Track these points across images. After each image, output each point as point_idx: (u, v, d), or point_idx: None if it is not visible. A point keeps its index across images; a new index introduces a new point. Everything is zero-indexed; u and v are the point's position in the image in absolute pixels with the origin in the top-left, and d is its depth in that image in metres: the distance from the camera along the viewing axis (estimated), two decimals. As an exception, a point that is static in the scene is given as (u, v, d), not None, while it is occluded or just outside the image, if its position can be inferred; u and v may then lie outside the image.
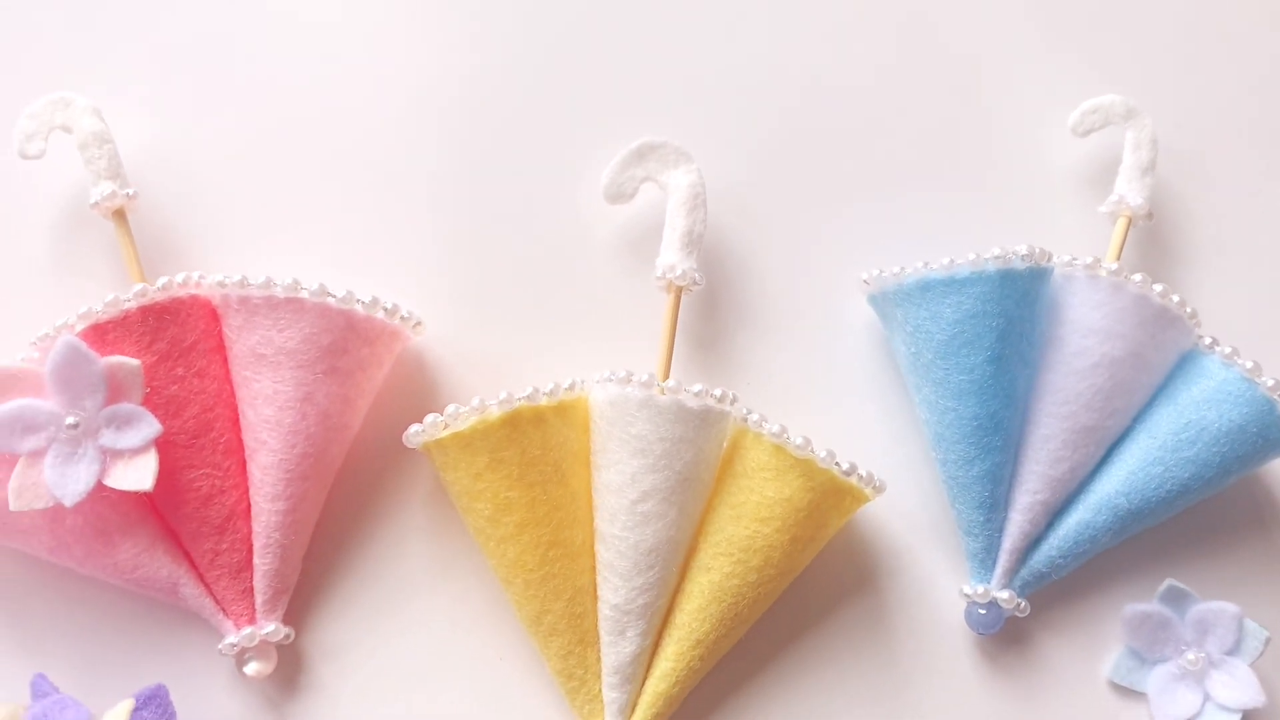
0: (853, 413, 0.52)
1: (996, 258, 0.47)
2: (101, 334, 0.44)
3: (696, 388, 0.45)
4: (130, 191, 0.48)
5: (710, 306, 0.52)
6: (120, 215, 0.48)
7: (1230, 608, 0.49)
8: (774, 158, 0.55)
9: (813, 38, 0.57)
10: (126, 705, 0.41)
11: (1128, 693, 0.50)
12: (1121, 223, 0.52)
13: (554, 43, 0.55)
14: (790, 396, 0.51)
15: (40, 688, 0.42)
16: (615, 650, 0.46)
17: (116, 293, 0.45)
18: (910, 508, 0.51)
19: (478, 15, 0.55)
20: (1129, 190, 0.52)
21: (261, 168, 0.52)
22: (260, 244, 0.51)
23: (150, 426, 0.43)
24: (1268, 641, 0.48)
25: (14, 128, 0.48)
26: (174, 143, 0.52)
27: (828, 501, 0.46)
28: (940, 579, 0.50)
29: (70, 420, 0.43)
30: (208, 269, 0.47)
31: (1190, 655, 0.49)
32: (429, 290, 0.51)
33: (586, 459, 0.47)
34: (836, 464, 0.46)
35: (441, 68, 0.54)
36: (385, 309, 0.46)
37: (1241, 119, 0.57)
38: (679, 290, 0.49)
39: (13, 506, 0.42)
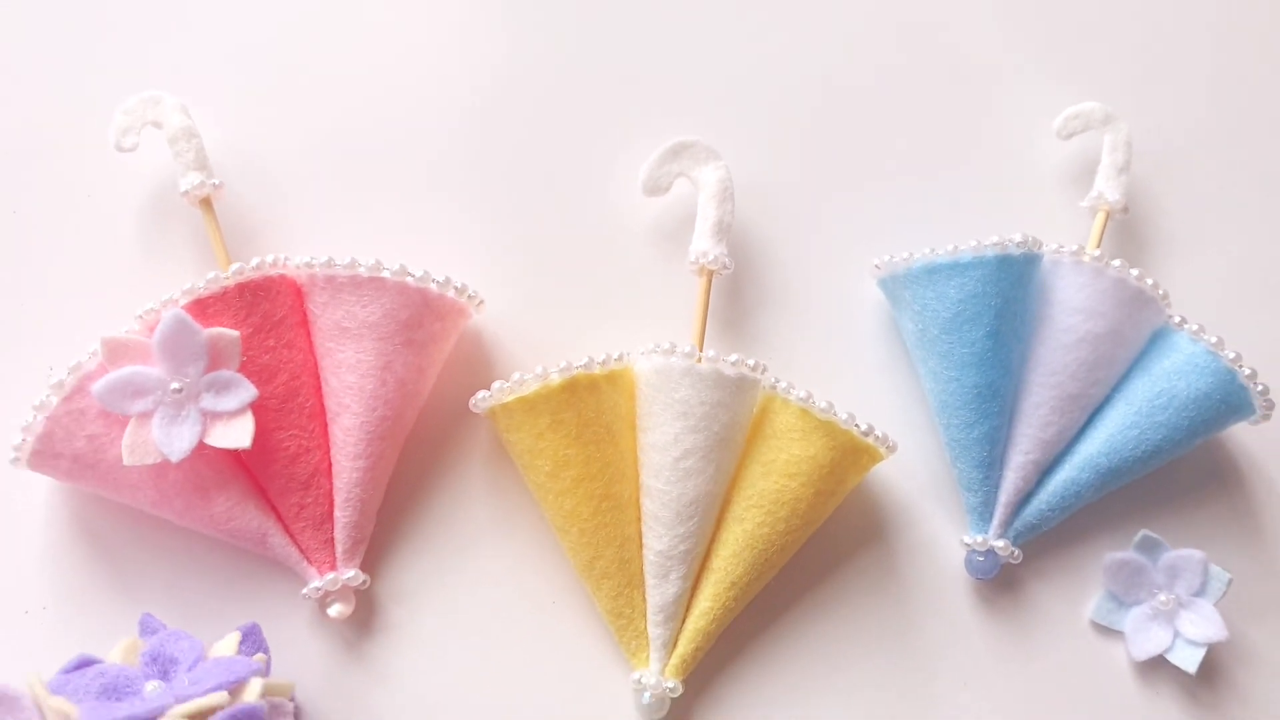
0: (863, 385, 0.56)
1: (995, 244, 0.51)
2: (203, 307, 0.48)
3: (733, 358, 0.50)
4: (216, 181, 0.51)
5: (736, 290, 0.56)
6: (206, 203, 0.51)
7: (1197, 554, 0.53)
8: (794, 156, 0.58)
9: (829, 49, 0.60)
10: (234, 637, 0.45)
11: (1107, 631, 0.54)
12: (1101, 216, 0.56)
13: (598, 55, 0.59)
14: (808, 370, 0.55)
15: (149, 624, 0.46)
16: (659, 592, 0.50)
17: (216, 271, 0.48)
18: (915, 469, 0.55)
19: (536, 26, 0.59)
20: (1107, 187, 0.56)
21: (331, 162, 0.55)
22: (331, 231, 0.54)
23: (247, 391, 0.47)
24: (1229, 583, 0.52)
25: (110, 123, 0.51)
26: (252, 138, 0.55)
27: (847, 459, 0.50)
28: (942, 531, 0.54)
29: (175, 385, 0.46)
30: (282, 253, 0.50)
31: (1162, 597, 0.53)
32: (487, 275, 0.54)
33: (633, 422, 0.51)
34: (856, 425, 0.50)
35: (499, 76, 0.58)
36: (455, 288, 0.50)
37: (1208, 125, 0.61)
38: (710, 274, 0.53)
39: (125, 462, 0.45)
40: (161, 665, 0.43)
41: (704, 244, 0.53)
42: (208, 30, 0.57)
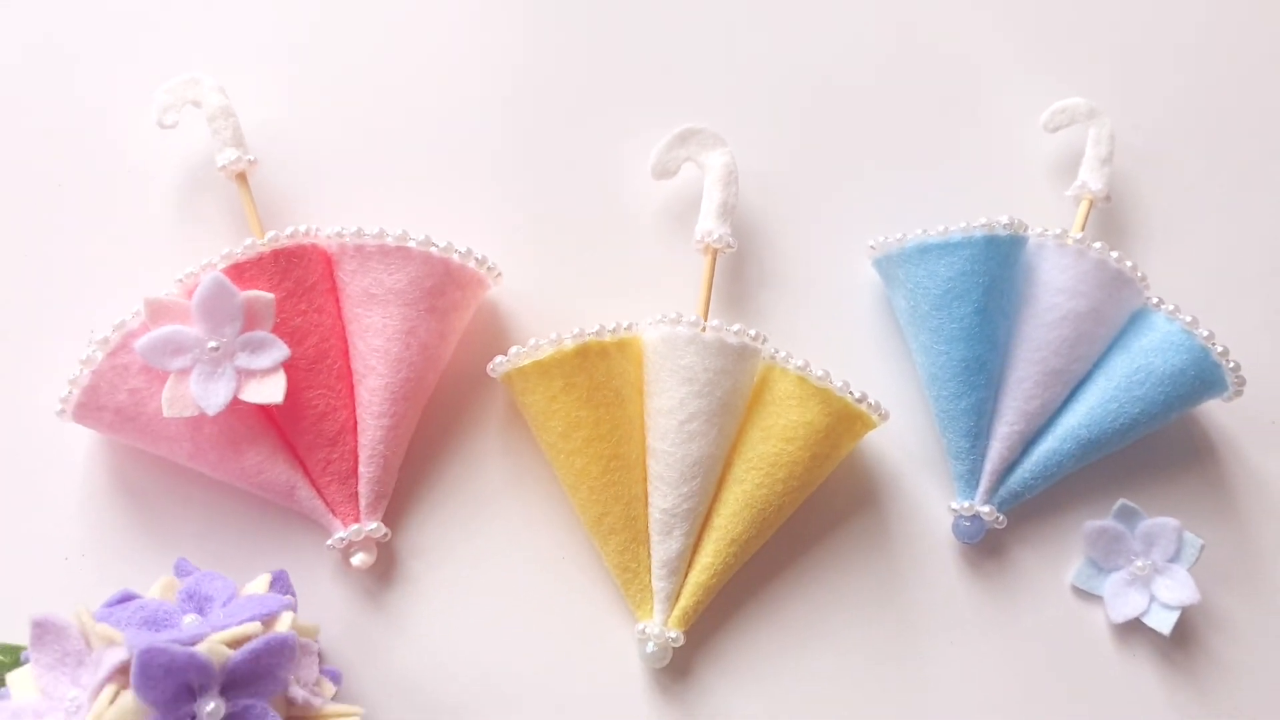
0: (858, 359, 0.58)
1: (983, 225, 0.53)
2: (240, 272, 0.50)
3: (735, 327, 0.52)
4: (251, 157, 0.54)
5: (739, 270, 0.59)
6: (242, 178, 0.54)
7: (1172, 522, 0.55)
8: (795, 145, 0.61)
9: (830, 47, 0.63)
10: (265, 578, 0.47)
11: (1087, 595, 0.56)
12: (1084, 204, 0.58)
13: (613, 50, 0.61)
14: (806, 346, 0.57)
15: (184, 567, 0.48)
16: (663, 547, 0.52)
17: (253, 238, 0.51)
18: (906, 439, 0.57)
19: (557, 21, 0.61)
20: (1090, 177, 0.59)
21: (359, 145, 0.58)
22: (358, 209, 0.56)
23: (280, 350, 0.49)
24: (1202, 549, 0.55)
25: (152, 102, 0.54)
26: (285, 119, 0.58)
27: (842, 425, 0.53)
28: (931, 497, 0.57)
29: (212, 344, 0.49)
30: (312, 225, 0.52)
31: (1139, 563, 0.55)
32: (506, 252, 0.56)
33: (640, 388, 0.54)
34: (850, 393, 0.52)
35: (520, 69, 0.60)
36: (476, 259, 0.52)
37: (1186, 121, 0.64)
38: (715, 252, 0.56)
39: (165, 414, 0.48)
40: (197, 602, 0.45)
41: (709, 223, 0.55)
42: (246, 17, 0.60)
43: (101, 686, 0.40)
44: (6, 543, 0.51)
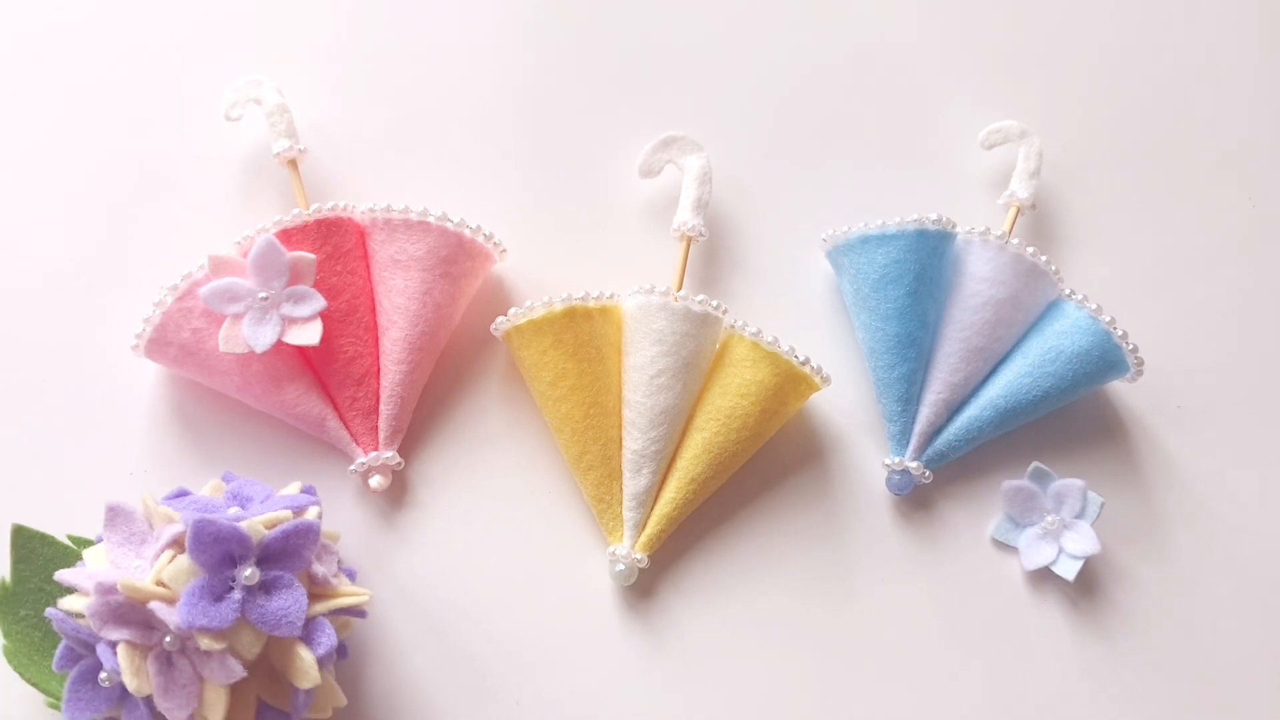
0: (809, 335, 0.64)
1: (914, 220, 0.60)
2: (288, 236, 0.58)
3: (700, 297, 0.59)
4: (302, 147, 0.62)
5: (710, 257, 0.66)
6: (293, 164, 0.62)
7: (1078, 483, 0.61)
8: (761, 151, 0.68)
9: (795, 63, 0.69)
10: (297, 484, 0.55)
11: (1004, 547, 0.62)
12: (1012, 211, 0.65)
13: (606, 65, 0.68)
14: (765, 323, 0.61)
15: (229, 477, 0.56)
16: (633, 483, 0.59)
17: (299, 209, 0.59)
18: (848, 405, 0.64)
19: (560, 41, 0.68)
20: (1019, 187, 0.65)
21: (391, 141, 0.66)
22: (388, 194, 0.62)
23: (318, 302, 0.57)
24: (1103, 506, 0.61)
25: (221, 99, 0.62)
26: (329, 115, 0.65)
27: (788, 385, 0.59)
28: (868, 455, 0.63)
29: (262, 294, 0.56)
30: (350, 202, 0.60)
31: (1050, 518, 0.61)
32: (512, 235, 0.62)
33: (619, 349, 0.61)
34: (796, 356, 0.59)
35: (527, 81, 0.67)
36: (484, 235, 0.60)
37: (1109, 142, 0.70)
38: (689, 240, 0.63)
39: (220, 349, 0.56)
40: (240, 500, 0.53)
41: (685, 215, 0.63)
42: (299, 26, 0.68)
43: (161, 551, 0.48)
44: (83, 459, 0.59)
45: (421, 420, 0.62)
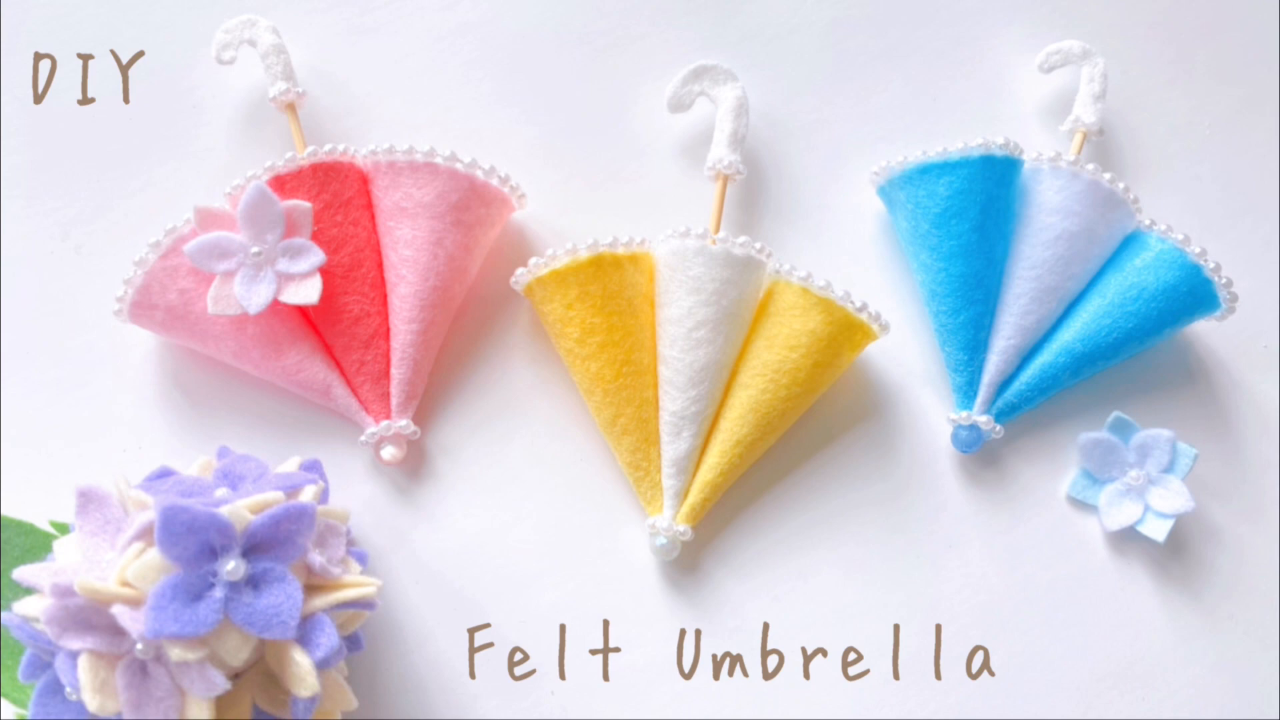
0: (861, 282, 0.53)
1: (980, 145, 0.49)
2: (281, 183, 0.47)
3: (741, 239, 0.48)
4: (300, 90, 0.51)
5: (749, 200, 0.54)
6: (291, 108, 0.51)
7: (1166, 433, 0.50)
8: (801, 81, 0.56)
9: None
10: (295, 460, 0.44)
11: (1083, 506, 0.51)
12: (1078, 137, 0.53)
13: None
14: (811, 268, 0.51)
15: (224, 453, 0.45)
16: (673, 447, 0.48)
17: (294, 152, 0.48)
18: (907, 355, 0.52)
19: None
20: (1084, 112, 0.53)
21: (399, 82, 0.54)
22: (399, 138, 0.53)
23: (317, 255, 0.46)
24: (1196, 458, 0.50)
25: (212, 40, 0.51)
26: (328, 56, 0.54)
27: (843, 334, 0.48)
28: (931, 409, 0.52)
29: (255, 249, 0.46)
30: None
31: (1133, 473, 0.50)
32: (534, 180, 0.52)
33: (652, 300, 0.50)
34: (851, 302, 0.48)
35: (549, 11, 0.56)
36: (499, 177, 0.49)
37: (1174, 64, 0.58)
38: (725, 179, 0.51)
39: (210, 311, 0.45)
40: (231, 480, 0.42)
41: (720, 151, 0.51)
42: None
43: (129, 543, 0.37)
44: (72, 436, 0.49)
45: (438, 384, 0.51)
